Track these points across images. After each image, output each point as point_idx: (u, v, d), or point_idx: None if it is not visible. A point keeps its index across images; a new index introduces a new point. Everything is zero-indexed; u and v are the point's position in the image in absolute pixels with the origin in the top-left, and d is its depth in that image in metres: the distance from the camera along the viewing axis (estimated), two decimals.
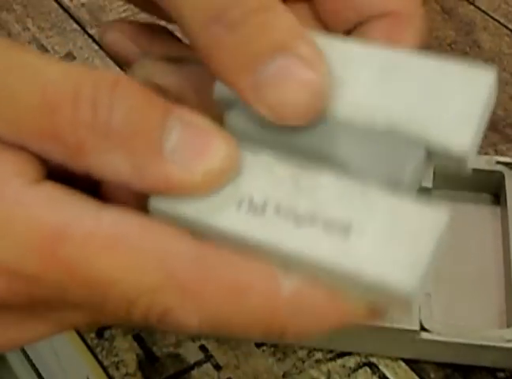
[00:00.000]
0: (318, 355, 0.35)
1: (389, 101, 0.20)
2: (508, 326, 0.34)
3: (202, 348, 0.35)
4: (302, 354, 0.35)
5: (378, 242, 0.18)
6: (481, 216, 0.39)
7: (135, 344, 0.35)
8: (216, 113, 0.20)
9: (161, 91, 0.21)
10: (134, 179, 0.19)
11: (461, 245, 0.38)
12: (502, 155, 0.42)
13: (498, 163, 0.39)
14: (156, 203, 0.19)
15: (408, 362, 0.35)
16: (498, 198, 0.40)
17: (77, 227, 0.19)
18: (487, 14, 0.51)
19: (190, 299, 0.18)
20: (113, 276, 0.18)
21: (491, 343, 0.33)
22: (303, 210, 0.19)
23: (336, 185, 0.19)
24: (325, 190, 0.19)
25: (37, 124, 0.19)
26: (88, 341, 0.35)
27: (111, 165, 0.19)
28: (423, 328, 0.33)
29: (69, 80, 0.19)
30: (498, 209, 0.39)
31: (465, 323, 0.35)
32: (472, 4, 0.52)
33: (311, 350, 0.35)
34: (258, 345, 0.35)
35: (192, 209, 0.19)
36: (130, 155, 0.19)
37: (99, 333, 0.35)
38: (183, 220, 0.19)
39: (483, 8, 0.52)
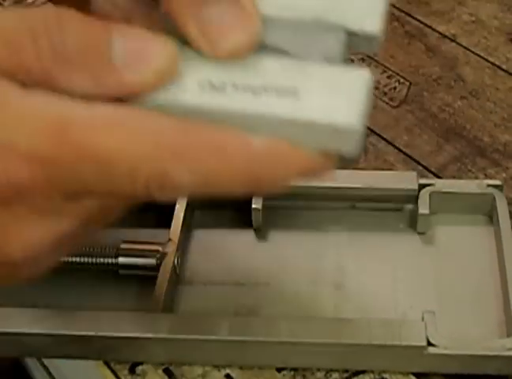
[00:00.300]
0: (335, 375, 0.37)
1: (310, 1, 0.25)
2: (508, 335, 0.36)
3: (227, 377, 0.37)
4: (320, 375, 0.37)
5: (322, 97, 0.23)
6: (477, 236, 0.41)
7: (165, 377, 0.37)
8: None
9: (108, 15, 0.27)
10: (98, 91, 0.23)
11: (460, 263, 0.40)
12: (491, 178, 0.44)
13: (489, 185, 0.41)
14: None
15: (418, 375, 0.36)
16: (491, 219, 0.42)
17: (79, 114, 0.23)
18: (469, 49, 0.53)
19: (181, 161, 0.23)
20: (116, 151, 0.22)
21: (494, 353, 0.35)
22: (256, 85, 0.23)
23: (279, 64, 0.24)
24: (271, 69, 0.24)
25: (6, 62, 0.23)
26: (122, 378, 0.37)
27: (76, 84, 0.23)
28: (430, 344, 0.35)
29: (24, 23, 0.23)
30: (491, 229, 0.41)
31: (468, 335, 0.37)
32: (454, 41, 0.54)
33: (328, 371, 0.37)
34: (279, 370, 0.37)
35: (161, 98, 0.23)
36: (89, 72, 0.23)
37: (132, 369, 0.37)
38: (158, 109, 0.23)
39: (464, 44, 0.54)
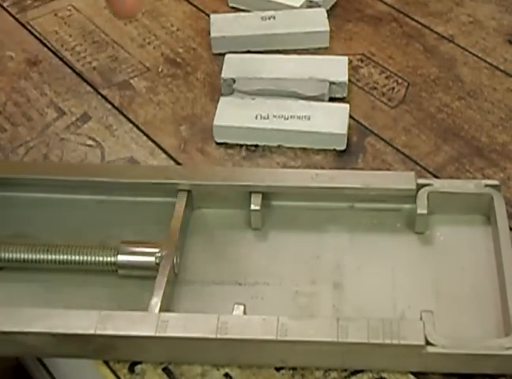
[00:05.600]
0: (334, 375, 0.37)
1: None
2: (506, 335, 0.36)
3: (226, 376, 0.37)
4: (318, 374, 0.37)
5: (324, 120, 0.46)
6: (475, 236, 0.42)
7: (164, 376, 0.37)
8: None
9: None
10: None
11: (459, 263, 0.40)
12: (489, 178, 0.45)
13: (487, 186, 0.42)
14: None
15: (416, 374, 0.37)
16: (489, 219, 0.42)
17: None
18: (466, 50, 0.54)
19: None
20: None
21: (492, 352, 0.35)
22: (286, 115, 0.47)
23: (297, 103, 0.48)
24: (293, 106, 0.47)
25: None
26: (122, 377, 0.37)
27: None
28: (428, 343, 0.35)
29: None
30: (489, 228, 0.42)
31: (466, 335, 0.37)
32: (452, 42, 0.55)
33: (327, 371, 0.37)
34: (278, 369, 0.37)
35: (237, 124, 0.48)
36: None
37: (131, 369, 0.38)
38: (235, 128, 0.47)
39: (462, 45, 0.54)
